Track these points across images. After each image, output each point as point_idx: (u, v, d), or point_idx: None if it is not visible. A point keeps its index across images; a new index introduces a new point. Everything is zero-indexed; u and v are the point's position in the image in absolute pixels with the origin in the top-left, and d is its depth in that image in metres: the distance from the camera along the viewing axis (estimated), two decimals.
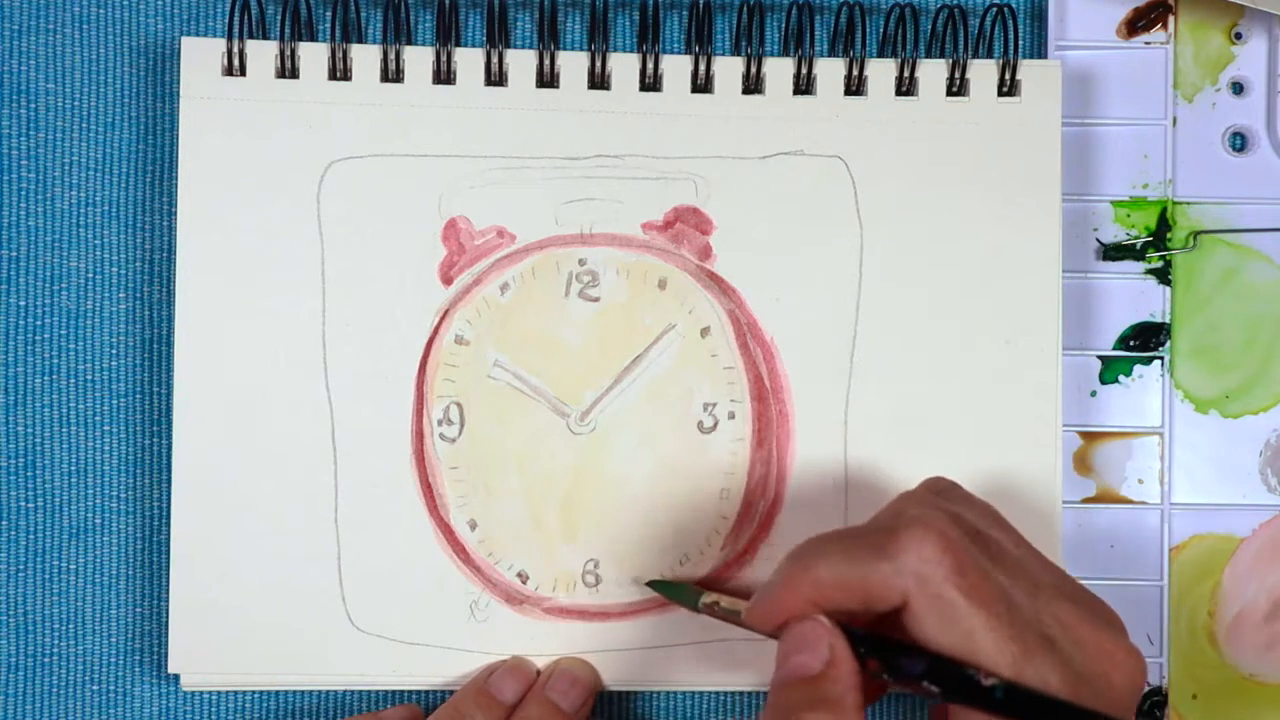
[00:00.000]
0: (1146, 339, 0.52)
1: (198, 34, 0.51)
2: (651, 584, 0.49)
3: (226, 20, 0.49)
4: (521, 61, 0.49)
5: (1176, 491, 0.52)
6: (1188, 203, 0.52)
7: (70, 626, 0.51)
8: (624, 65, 0.50)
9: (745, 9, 0.50)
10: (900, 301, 0.50)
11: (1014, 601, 0.39)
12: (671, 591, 0.49)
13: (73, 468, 0.51)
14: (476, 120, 0.49)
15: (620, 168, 0.49)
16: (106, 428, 0.51)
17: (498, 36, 0.49)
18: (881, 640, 0.40)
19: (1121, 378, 0.52)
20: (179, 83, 0.49)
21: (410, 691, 0.51)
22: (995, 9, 0.50)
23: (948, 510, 0.41)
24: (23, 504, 0.51)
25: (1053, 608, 0.40)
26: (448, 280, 0.49)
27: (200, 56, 0.49)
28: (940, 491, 0.44)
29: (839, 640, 0.40)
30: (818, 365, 0.50)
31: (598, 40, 0.49)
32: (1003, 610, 0.39)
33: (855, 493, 0.50)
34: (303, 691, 0.51)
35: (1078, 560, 0.51)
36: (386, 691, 0.51)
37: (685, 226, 0.50)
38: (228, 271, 0.49)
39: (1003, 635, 0.38)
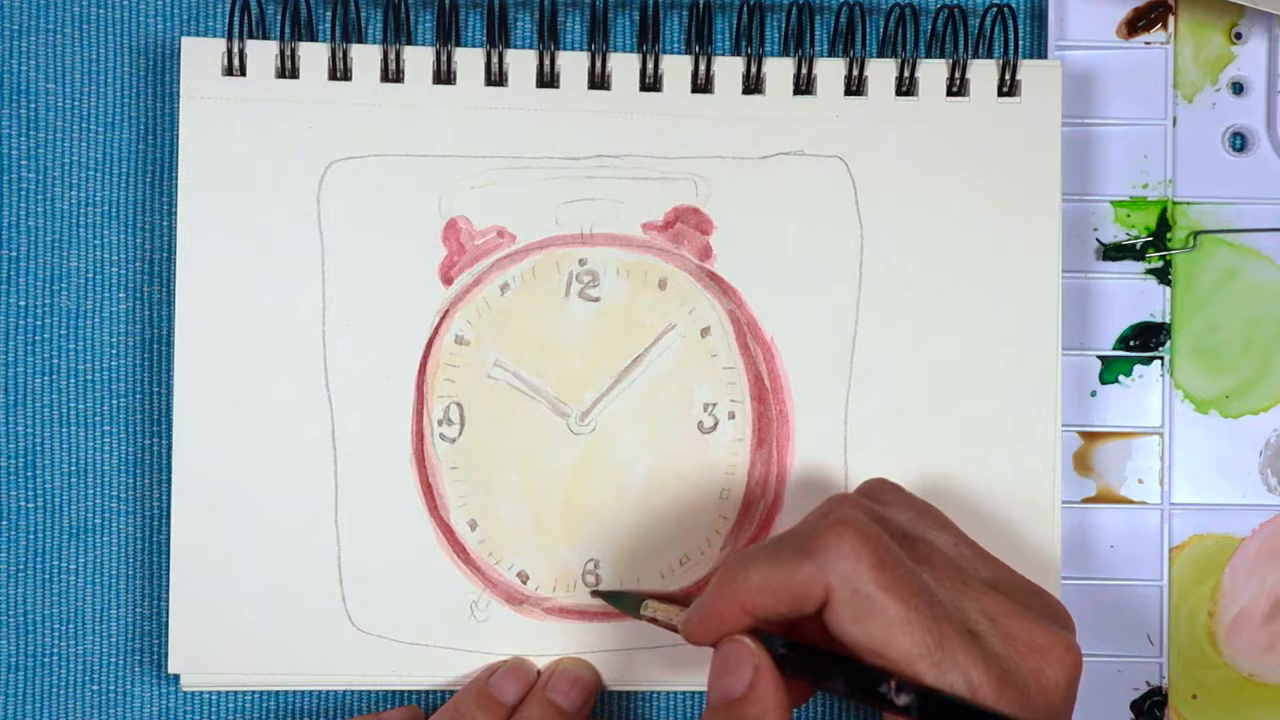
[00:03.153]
0: (1146, 339, 0.52)
1: (198, 34, 0.51)
2: (597, 593, 0.49)
3: (226, 20, 0.49)
4: (521, 61, 0.49)
5: (1176, 491, 0.52)
6: (1188, 203, 0.52)
7: (70, 626, 0.51)
8: (624, 65, 0.50)
9: (745, 9, 0.50)
10: (900, 301, 0.50)
11: (936, 597, 0.40)
12: (617, 601, 0.49)
13: (73, 468, 0.51)
14: (477, 120, 0.49)
15: (620, 168, 0.49)
16: (106, 428, 0.51)
17: (498, 36, 0.49)
18: (807, 654, 0.41)
19: (1121, 378, 0.52)
20: (179, 83, 0.49)
21: (410, 692, 0.51)
22: (995, 9, 0.50)
23: (872, 511, 0.42)
24: (23, 504, 0.51)
25: (982, 602, 0.41)
26: (448, 280, 0.49)
27: (200, 56, 0.49)
28: (873, 493, 0.45)
29: (763, 660, 0.41)
30: (818, 365, 0.50)
31: (598, 40, 0.49)
32: (922, 605, 0.39)
33: None
34: (303, 692, 0.51)
35: (1078, 560, 0.51)
36: (387, 692, 0.51)
37: (685, 226, 0.50)
38: (228, 271, 0.49)
39: (920, 629, 0.39)
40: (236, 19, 0.49)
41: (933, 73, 0.50)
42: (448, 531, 0.49)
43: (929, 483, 0.49)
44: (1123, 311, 0.52)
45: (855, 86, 0.50)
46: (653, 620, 0.46)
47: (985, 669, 0.39)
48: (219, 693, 0.51)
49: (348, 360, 0.49)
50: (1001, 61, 0.50)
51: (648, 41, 0.49)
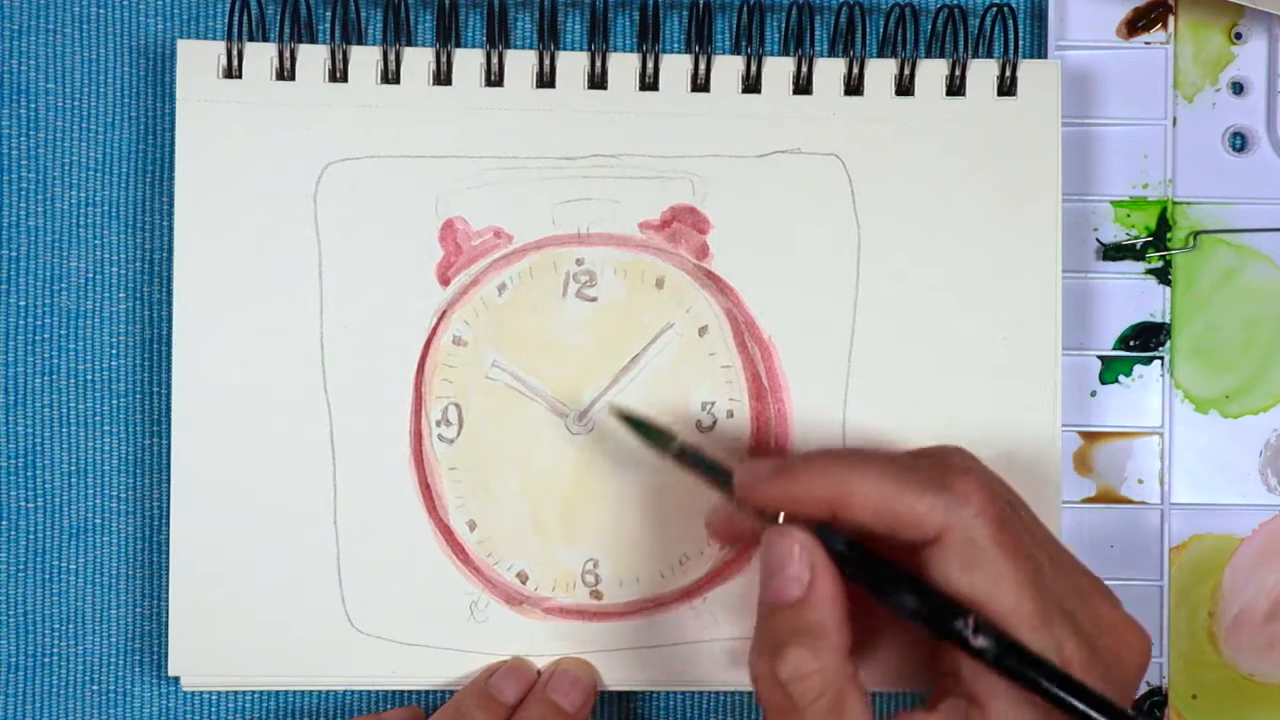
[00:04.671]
0: (1146, 339, 0.52)
1: (197, 35, 0.51)
2: (621, 415, 0.46)
3: (226, 21, 0.49)
4: (519, 61, 0.49)
5: (1176, 491, 0.52)
6: (1188, 203, 0.52)
7: (70, 626, 0.51)
8: (622, 65, 0.50)
9: (745, 9, 0.50)
10: (898, 301, 0.50)
11: (1042, 567, 0.40)
12: (644, 430, 0.46)
13: (73, 468, 0.51)
14: (474, 121, 0.49)
15: (617, 167, 0.49)
16: (106, 428, 0.51)
17: (498, 37, 0.49)
18: (872, 560, 0.40)
19: (1121, 378, 0.52)
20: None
21: (410, 692, 0.51)
22: (995, 9, 0.50)
23: (991, 472, 0.42)
24: (23, 504, 0.51)
25: (1073, 582, 0.41)
26: (445, 281, 0.49)
27: (197, 59, 0.49)
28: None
29: (820, 558, 0.39)
30: (816, 364, 0.50)
31: (598, 40, 0.49)
32: (1030, 570, 0.39)
33: None
34: (303, 692, 0.51)
35: None
36: (387, 692, 0.51)
37: (682, 225, 0.50)
38: (226, 273, 0.49)
39: (1029, 592, 0.39)
40: (235, 19, 0.49)
41: (932, 72, 0.50)
42: (446, 532, 0.49)
43: None
44: (1123, 311, 0.52)
45: (854, 86, 0.50)
46: (682, 459, 0.43)
47: (1078, 644, 0.39)
48: (219, 693, 0.51)
49: (346, 361, 0.49)
50: (1001, 61, 0.50)
51: (648, 41, 0.49)
